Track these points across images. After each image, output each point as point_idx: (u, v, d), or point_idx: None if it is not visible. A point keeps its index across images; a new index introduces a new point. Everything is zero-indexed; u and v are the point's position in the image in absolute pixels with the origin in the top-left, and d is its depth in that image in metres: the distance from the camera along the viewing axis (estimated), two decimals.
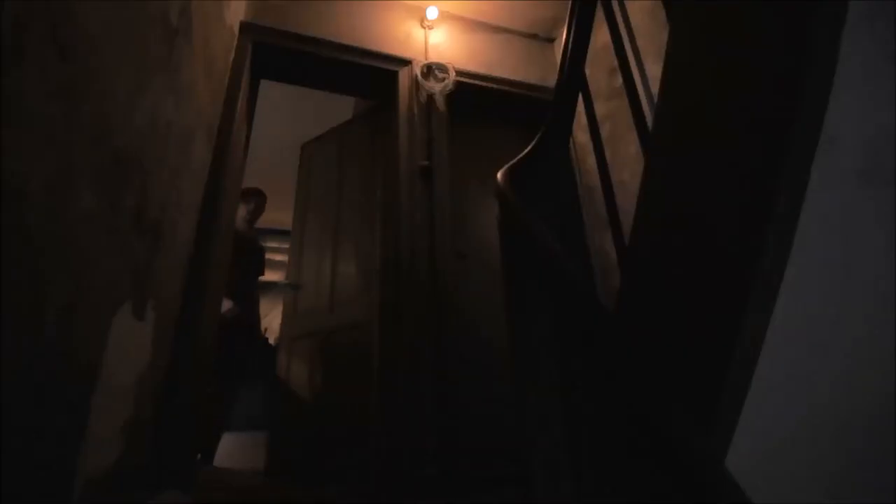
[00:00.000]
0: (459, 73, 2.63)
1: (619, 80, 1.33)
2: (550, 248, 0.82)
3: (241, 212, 2.97)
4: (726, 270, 0.68)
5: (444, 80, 2.56)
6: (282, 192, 4.02)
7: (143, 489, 1.37)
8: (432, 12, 2.72)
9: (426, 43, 2.70)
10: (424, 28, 2.74)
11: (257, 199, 3.20)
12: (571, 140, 2.44)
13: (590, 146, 1.64)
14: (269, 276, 5.80)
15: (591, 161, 2.39)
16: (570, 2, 1.52)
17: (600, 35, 2.10)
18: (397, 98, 2.54)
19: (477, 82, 2.73)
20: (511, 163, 1.36)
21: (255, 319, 3.12)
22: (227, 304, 2.55)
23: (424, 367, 2.03)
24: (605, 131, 2.10)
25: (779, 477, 0.67)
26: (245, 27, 2.29)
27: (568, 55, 1.49)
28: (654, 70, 1.93)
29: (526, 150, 1.47)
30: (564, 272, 0.75)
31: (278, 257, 5.80)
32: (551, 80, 2.45)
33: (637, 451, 0.69)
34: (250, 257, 3.09)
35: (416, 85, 2.57)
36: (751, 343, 0.63)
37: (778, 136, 0.64)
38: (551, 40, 3.10)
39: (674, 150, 0.88)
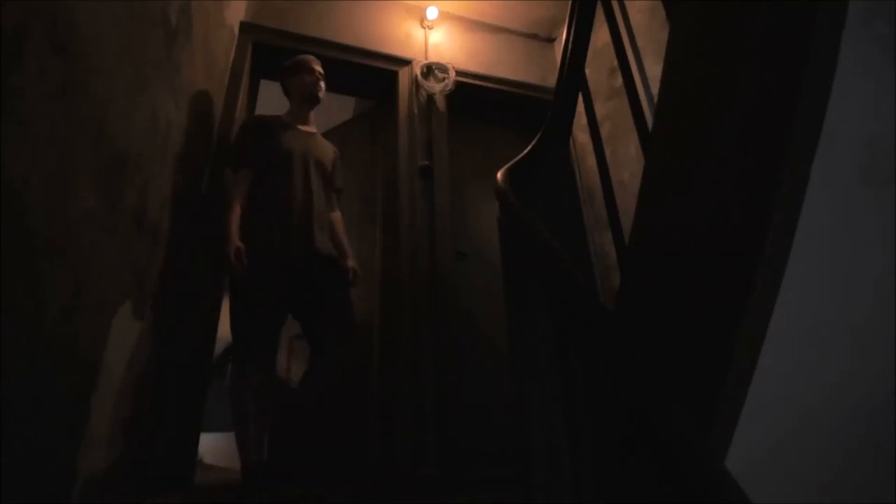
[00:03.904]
0: (459, 73, 2.63)
1: (619, 80, 1.33)
2: (550, 247, 0.82)
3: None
4: (726, 270, 0.67)
5: (444, 80, 2.56)
6: None
7: (142, 489, 1.37)
8: (432, 12, 2.72)
9: (426, 43, 2.71)
10: (424, 28, 2.74)
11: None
12: (571, 140, 2.44)
13: (590, 146, 1.64)
14: None
15: (591, 161, 2.39)
16: (570, 2, 1.52)
17: (600, 35, 2.10)
18: (397, 98, 2.54)
19: (477, 82, 2.73)
20: (511, 162, 1.36)
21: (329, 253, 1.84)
22: (234, 244, 1.64)
23: (424, 366, 2.03)
24: (605, 131, 2.10)
25: (779, 477, 0.67)
26: (245, 27, 2.29)
27: (568, 55, 1.49)
28: (654, 70, 1.93)
29: (526, 150, 1.47)
30: (564, 272, 0.75)
31: None
32: (551, 80, 2.45)
33: (636, 450, 0.69)
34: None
35: (416, 85, 2.57)
36: (750, 343, 0.63)
37: (777, 136, 0.64)
38: (551, 40, 3.10)
39: (673, 149, 0.88)
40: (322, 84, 1.99)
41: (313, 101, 1.99)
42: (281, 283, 1.70)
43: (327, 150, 2.01)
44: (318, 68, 1.99)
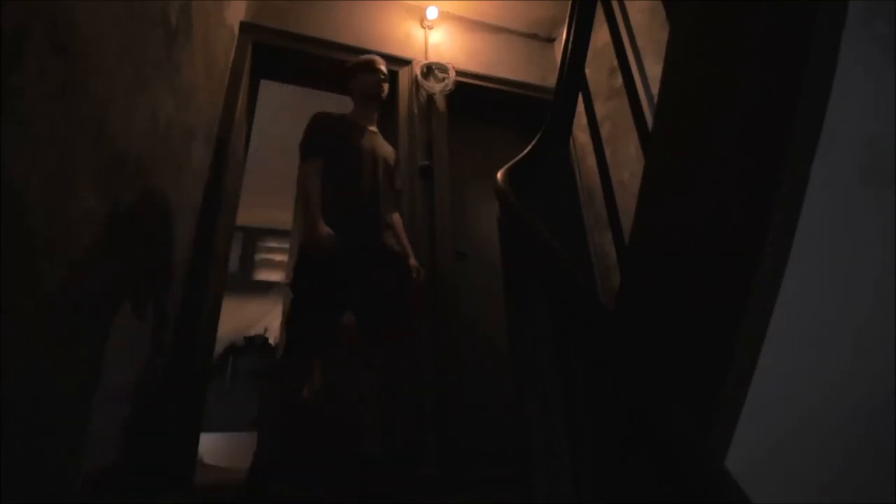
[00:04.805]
0: (459, 73, 2.63)
1: (619, 80, 1.33)
2: (550, 247, 0.82)
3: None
4: (726, 270, 0.67)
5: (444, 80, 2.56)
6: (282, 192, 4.03)
7: (142, 489, 1.37)
8: (432, 12, 2.73)
9: (426, 43, 2.71)
10: (424, 28, 2.74)
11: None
12: (571, 140, 2.44)
13: (590, 146, 1.64)
14: (270, 276, 5.85)
15: (591, 161, 2.39)
16: (570, 2, 1.52)
17: (600, 35, 2.10)
18: (397, 98, 2.54)
19: (477, 82, 2.73)
20: (511, 162, 1.36)
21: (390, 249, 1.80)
22: (323, 229, 1.57)
23: (424, 366, 2.03)
24: (605, 131, 2.10)
25: (778, 477, 0.67)
26: (245, 27, 2.29)
27: (568, 55, 1.49)
28: (654, 70, 1.93)
29: (526, 150, 1.47)
30: (564, 272, 0.75)
31: (278, 257, 5.82)
32: (551, 80, 2.45)
33: (636, 450, 0.69)
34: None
35: (416, 85, 2.57)
36: (750, 343, 0.63)
37: (777, 136, 0.64)
38: (551, 40, 3.10)
39: (674, 149, 0.88)
40: (385, 85, 1.95)
41: (375, 100, 1.96)
42: (342, 279, 1.65)
43: (390, 151, 2.00)
44: (382, 68, 1.95)
